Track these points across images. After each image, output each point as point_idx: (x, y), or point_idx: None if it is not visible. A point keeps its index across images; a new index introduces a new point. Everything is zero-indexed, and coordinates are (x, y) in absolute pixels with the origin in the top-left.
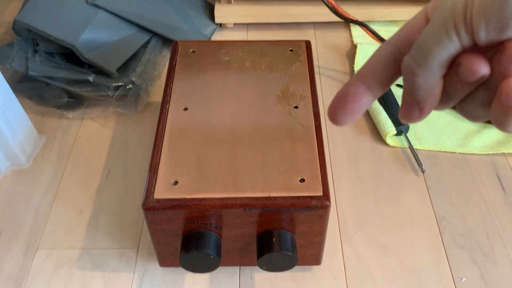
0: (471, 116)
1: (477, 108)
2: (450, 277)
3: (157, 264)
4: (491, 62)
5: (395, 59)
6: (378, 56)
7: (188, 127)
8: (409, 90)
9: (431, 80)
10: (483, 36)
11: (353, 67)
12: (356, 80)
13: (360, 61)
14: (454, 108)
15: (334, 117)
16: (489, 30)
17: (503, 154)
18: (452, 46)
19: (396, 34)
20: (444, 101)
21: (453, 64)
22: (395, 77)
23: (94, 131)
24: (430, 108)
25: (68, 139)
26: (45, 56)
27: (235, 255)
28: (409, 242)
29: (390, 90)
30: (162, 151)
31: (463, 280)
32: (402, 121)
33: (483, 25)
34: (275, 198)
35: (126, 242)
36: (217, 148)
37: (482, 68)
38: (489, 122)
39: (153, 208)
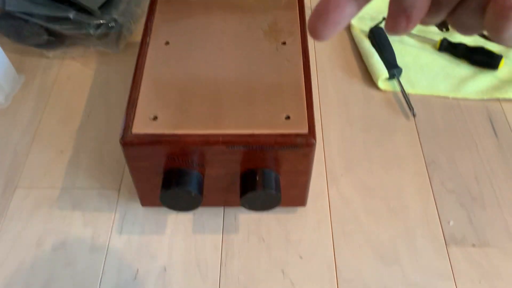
0: (464, 27)
1: (471, 17)
2: (438, 220)
3: (139, 205)
4: None
5: None
6: None
7: (170, 62)
8: None
9: None
10: None
11: None
12: None
13: None
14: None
15: (315, 29)
16: None
17: (497, 99)
18: None
19: None
20: (435, 10)
21: None
22: None
23: (75, 71)
24: (418, 17)
25: (48, 79)
26: None
27: (219, 195)
28: (397, 185)
29: (383, 33)
30: (142, 85)
31: (450, 223)
32: (388, 33)
33: None
34: (259, 135)
35: (107, 182)
36: (200, 84)
37: None
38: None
39: (131, 143)
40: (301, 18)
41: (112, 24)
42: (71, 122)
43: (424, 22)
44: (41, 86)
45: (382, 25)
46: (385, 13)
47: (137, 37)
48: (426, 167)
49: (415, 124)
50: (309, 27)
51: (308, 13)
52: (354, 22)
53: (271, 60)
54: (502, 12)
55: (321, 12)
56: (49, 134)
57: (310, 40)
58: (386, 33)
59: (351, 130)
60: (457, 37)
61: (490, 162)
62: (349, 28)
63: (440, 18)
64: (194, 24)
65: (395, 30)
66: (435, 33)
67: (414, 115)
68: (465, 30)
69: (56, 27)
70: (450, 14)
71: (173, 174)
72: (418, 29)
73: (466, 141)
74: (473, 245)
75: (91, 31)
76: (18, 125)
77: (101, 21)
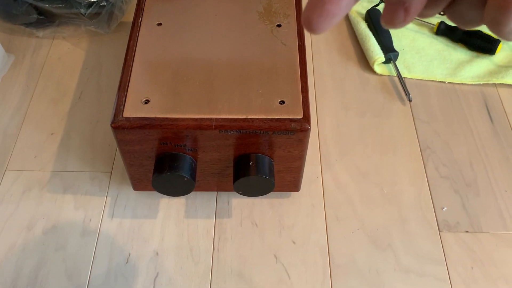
0: (463, 20)
1: (470, 9)
2: (431, 206)
3: (131, 189)
4: None
5: None
6: None
7: (162, 44)
8: None
9: None
10: None
11: None
12: None
13: None
14: (449, 33)
15: (310, 21)
16: None
17: (493, 84)
18: None
19: None
20: (433, 2)
21: None
22: None
23: (66, 51)
24: (417, 10)
25: (38, 59)
26: None
27: (212, 180)
28: (391, 170)
29: (380, 16)
30: (133, 68)
31: (444, 209)
32: (385, 26)
33: None
34: (252, 120)
35: (99, 165)
36: (193, 66)
37: None
38: (488, 48)
39: (122, 127)
40: (297, 0)
41: (104, 3)
42: (62, 103)
43: (422, 14)
44: (31, 66)
45: (379, 7)
46: None
47: (129, 17)
48: (421, 152)
49: (411, 109)
50: (303, 20)
51: None
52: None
53: (266, 42)
54: (503, 3)
55: (317, 3)
56: (40, 116)
57: None
58: (383, 26)
59: (346, 115)
60: None
61: (485, 148)
62: None
63: (438, 10)
64: (188, 5)
65: (393, 23)
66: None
67: (410, 100)
68: (463, 23)
69: (46, 5)
70: (448, 6)
71: (166, 159)
72: None
73: (462, 127)
74: (466, 231)
75: (82, 11)
76: (7, 106)
77: (93, 0)
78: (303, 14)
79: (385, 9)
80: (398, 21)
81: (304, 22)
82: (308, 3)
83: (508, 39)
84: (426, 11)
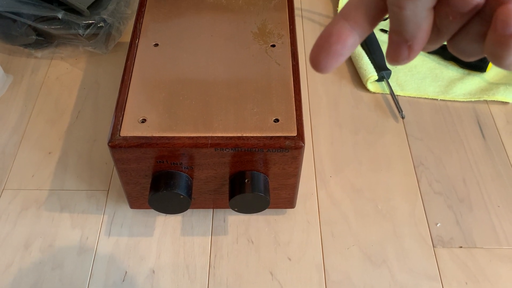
0: (464, 53)
1: (471, 43)
2: (425, 222)
3: (127, 207)
4: None
5: None
6: None
7: (159, 64)
8: (396, 27)
9: (420, 12)
10: None
11: (337, 9)
12: (340, 19)
13: (343, 2)
14: (441, 51)
15: (317, 62)
16: None
17: (485, 101)
18: None
19: None
20: (435, 37)
21: None
22: (382, 13)
23: (64, 71)
24: (420, 46)
25: (36, 79)
26: None
27: (208, 197)
28: (385, 187)
29: (373, 34)
30: (130, 88)
31: (438, 225)
32: (390, 63)
33: None
34: (247, 138)
35: (96, 184)
36: (189, 86)
37: None
38: (479, 66)
39: (119, 146)
40: (291, 20)
41: (101, 24)
42: (59, 123)
43: (425, 48)
44: (30, 86)
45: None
46: None
47: (126, 37)
48: (415, 169)
49: (404, 126)
50: (311, 60)
51: (297, 13)
52: None
53: (261, 62)
54: (502, 39)
55: (324, 43)
56: (38, 135)
57: (300, 42)
58: (388, 63)
59: (341, 132)
60: None
61: (477, 164)
62: None
63: (440, 44)
64: (184, 26)
65: (397, 60)
66: None
67: (403, 117)
68: (465, 55)
69: (44, 26)
70: (450, 40)
71: (162, 177)
72: None
73: (454, 143)
74: (460, 247)
75: (80, 31)
76: (6, 126)
77: (90, 21)
78: (311, 54)
79: (389, 47)
80: (402, 58)
81: (312, 62)
82: (315, 43)
83: (509, 70)
84: (428, 45)
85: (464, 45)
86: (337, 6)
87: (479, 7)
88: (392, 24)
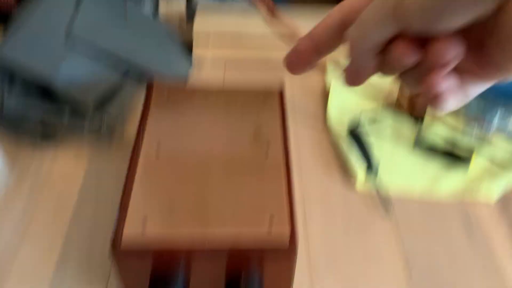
0: (410, 88)
1: (413, 83)
2: None
3: None
4: (425, 46)
5: (341, 28)
6: (327, 22)
7: (160, 172)
8: (350, 58)
9: (367, 55)
10: (415, 26)
11: (326, 108)
12: (307, 39)
13: (333, 99)
14: (418, 119)
15: (288, 67)
16: (419, 22)
17: (470, 199)
18: (386, 31)
19: (348, 2)
20: (386, 71)
21: (388, 45)
22: (341, 43)
23: (66, 166)
24: (367, 76)
25: (39, 174)
26: (21, 93)
27: None
28: (377, 283)
29: (361, 134)
30: (132, 196)
31: None
32: (344, 84)
33: (415, 15)
34: (243, 237)
35: (94, 283)
36: (188, 192)
37: (410, 57)
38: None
39: (121, 250)
40: (283, 120)
41: (105, 121)
42: (60, 219)
43: (381, 75)
44: (33, 180)
45: (360, 121)
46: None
47: (129, 133)
48: (405, 266)
49: (393, 223)
50: (285, 65)
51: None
52: (333, 124)
53: (255, 163)
54: (429, 98)
55: (293, 56)
56: (39, 232)
57: (293, 141)
58: (345, 85)
59: (332, 230)
60: (430, 132)
61: (465, 263)
62: (328, 130)
63: (389, 76)
64: (184, 130)
65: (349, 84)
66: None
67: (391, 215)
68: (411, 90)
69: (49, 130)
70: (399, 76)
71: (158, 282)
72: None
73: (443, 240)
74: None
75: (85, 125)
76: (7, 223)
77: (95, 115)
78: (284, 60)
79: (345, 70)
80: (353, 83)
81: (285, 66)
82: (288, 53)
83: (441, 112)
84: (382, 75)
85: (407, 82)
86: (326, 107)
87: (414, 63)
88: (348, 54)
